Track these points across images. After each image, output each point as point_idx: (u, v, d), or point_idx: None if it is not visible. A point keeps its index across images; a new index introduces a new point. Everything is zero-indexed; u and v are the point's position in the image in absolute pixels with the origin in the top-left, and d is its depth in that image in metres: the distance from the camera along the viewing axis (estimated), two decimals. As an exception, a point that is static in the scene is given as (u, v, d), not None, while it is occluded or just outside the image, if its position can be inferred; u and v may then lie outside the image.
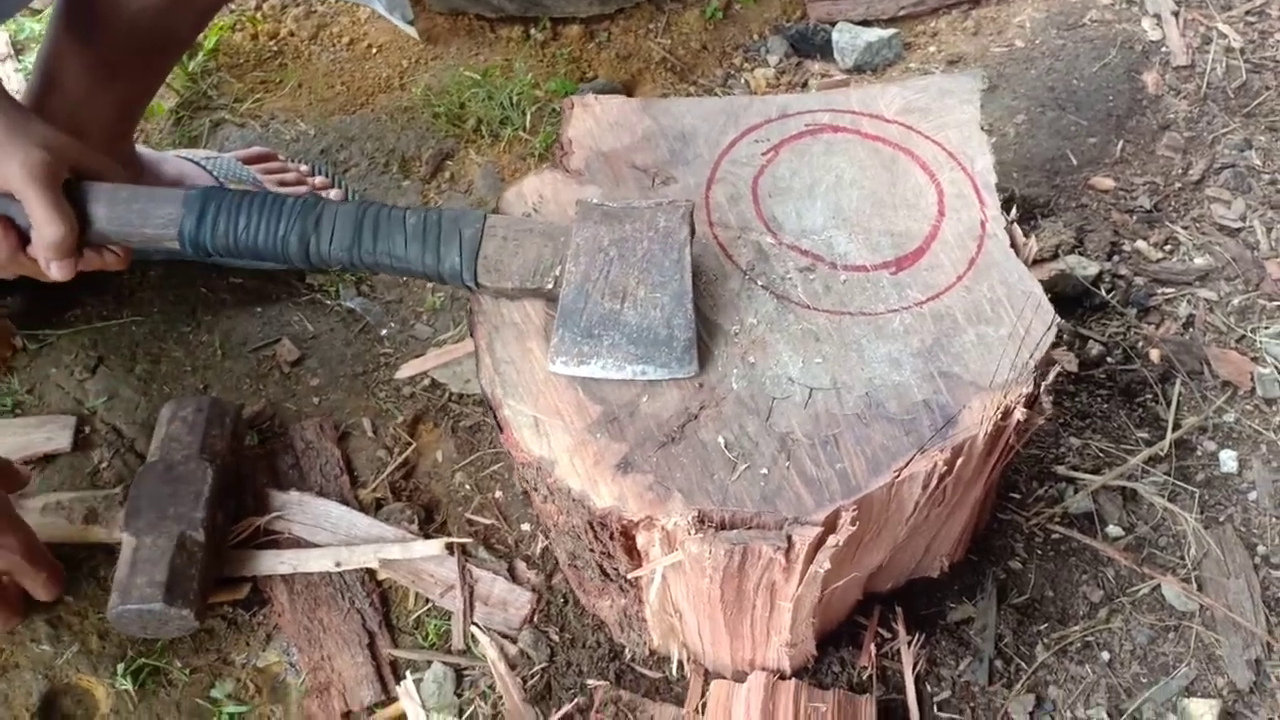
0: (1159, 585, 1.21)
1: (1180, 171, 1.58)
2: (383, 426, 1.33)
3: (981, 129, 1.10)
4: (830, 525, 0.87)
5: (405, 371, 1.37)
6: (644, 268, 0.90)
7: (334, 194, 1.50)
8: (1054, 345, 0.96)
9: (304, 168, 1.52)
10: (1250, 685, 1.14)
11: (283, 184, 1.45)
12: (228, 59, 1.71)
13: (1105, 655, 1.18)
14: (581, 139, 1.10)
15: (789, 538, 0.85)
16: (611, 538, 0.90)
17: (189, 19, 1.23)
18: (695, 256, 0.94)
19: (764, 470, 0.88)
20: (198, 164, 1.40)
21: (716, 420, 0.91)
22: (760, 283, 0.99)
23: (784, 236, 1.02)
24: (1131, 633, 1.19)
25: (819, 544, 0.87)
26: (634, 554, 0.93)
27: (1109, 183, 1.57)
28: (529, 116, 1.63)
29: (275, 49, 1.74)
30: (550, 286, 0.91)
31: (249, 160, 1.46)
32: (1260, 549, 1.24)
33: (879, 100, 1.13)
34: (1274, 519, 1.26)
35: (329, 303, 1.45)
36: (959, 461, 0.91)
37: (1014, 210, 1.05)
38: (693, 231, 0.92)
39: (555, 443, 0.89)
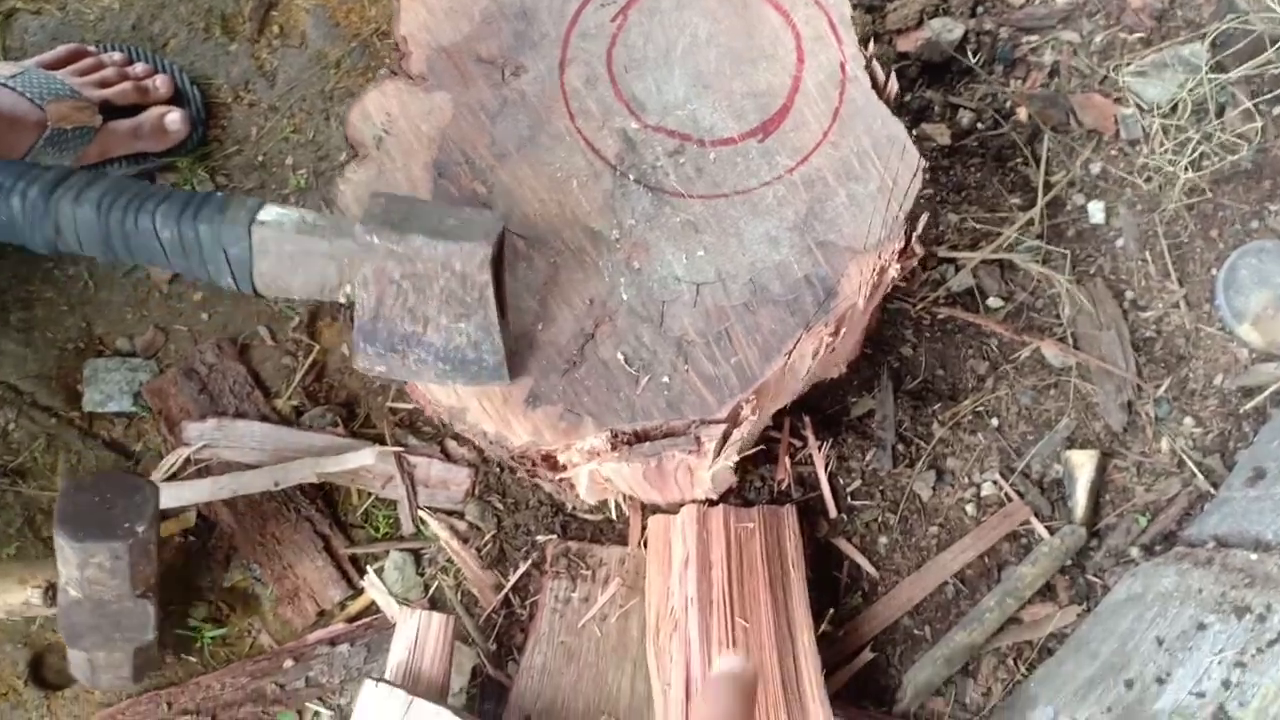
0: (1038, 348, 1.31)
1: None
2: (281, 331, 1.32)
3: (831, -51, 1.05)
4: (734, 417, 0.93)
5: (290, 267, 1.34)
6: (444, 300, 0.84)
7: (160, 80, 1.38)
8: (921, 191, 0.98)
9: (118, 56, 1.39)
10: (1124, 426, 1.28)
11: (103, 84, 1.34)
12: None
13: (994, 422, 1.29)
14: (417, 35, 1.02)
15: (697, 439, 0.91)
16: (533, 464, 0.95)
17: None
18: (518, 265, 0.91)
19: (665, 379, 0.92)
20: (9, 88, 1.27)
21: (613, 336, 0.93)
22: (632, 177, 0.97)
23: (648, 118, 0.99)
24: (1016, 396, 1.30)
25: (726, 437, 0.93)
26: (557, 465, 0.98)
27: (967, -76, 1.51)
28: (348, -58, 1.49)
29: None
30: (342, 301, 0.86)
31: (57, 64, 1.33)
32: (1129, 294, 1.33)
33: (721, -68, 1.06)
34: (1140, 262, 1.35)
35: (191, 203, 1.38)
36: (843, 330, 0.96)
37: (871, 45, 1.02)
38: (499, 264, 0.85)
39: (461, 388, 0.92)
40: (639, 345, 0.93)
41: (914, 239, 0.97)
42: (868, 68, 1.01)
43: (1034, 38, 1.45)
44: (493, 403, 0.92)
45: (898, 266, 0.96)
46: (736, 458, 1.00)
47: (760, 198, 0.97)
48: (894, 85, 1.01)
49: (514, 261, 0.94)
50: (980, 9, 1.46)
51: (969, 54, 1.42)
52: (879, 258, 0.95)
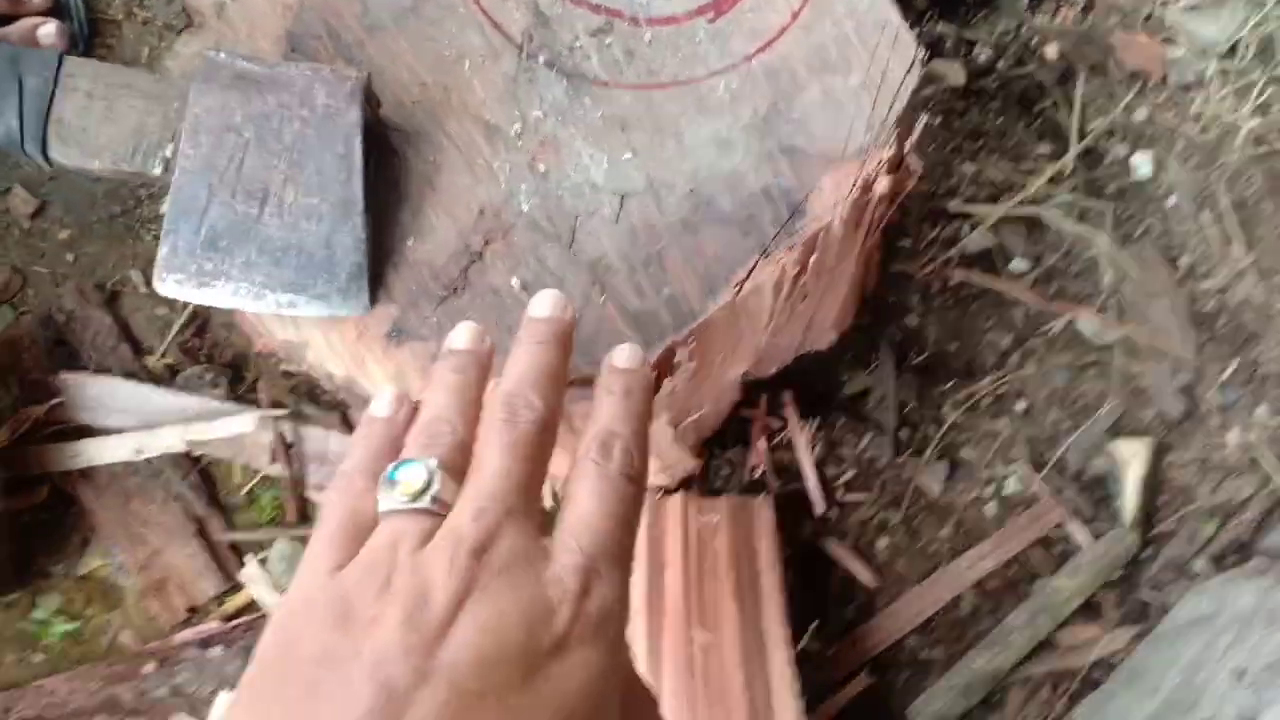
0: (1073, 320, 1.08)
1: None
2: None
3: None
4: (665, 366, 0.71)
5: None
6: (294, 160, 0.66)
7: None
8: (919, 87, 0.76)
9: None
10: (1182, 414, 1.04)
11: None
12: None
13: (1021, 405, 1.06)
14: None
15: (611, 394, 0.69)
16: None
17: None
18: (390, 139, 0.71)
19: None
20: None
21: (507, 257, 0.71)
22: (542, 59, 0.76)
23: (570, -12, 0.78)
24: (1047, 376, 1.07)
25: (655, 391, 0.71)
26: (437, 429, 0.76)
27: None
28: None
29: None
30: (158, 172, 0.68)
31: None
32: (1183, 260, 1.10)
33: None
34: (1196, 224, 1.11)
35: (75, 128, 1.18)
36: (813, 258, 0.73)
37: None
38: (372, 112, 0.69)
39: (301, 315, 0.70)
40: (541, 270, 0.71)
41: (908, 148, 0.75)
42: (855, -65, 0.79)
43: (1068, -34, 1.22)
44: (343, 336, 0.70)
45: (886, 180, 0.73)
46: (674, 428, 0.78)
47: (709, 90, 0.75)
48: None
49: (382, 159, 0.73)
50: (1007, -71, 1.24)
51: (992, -20, 1.20)
52: (862, 168, 0.73)
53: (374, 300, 0.69)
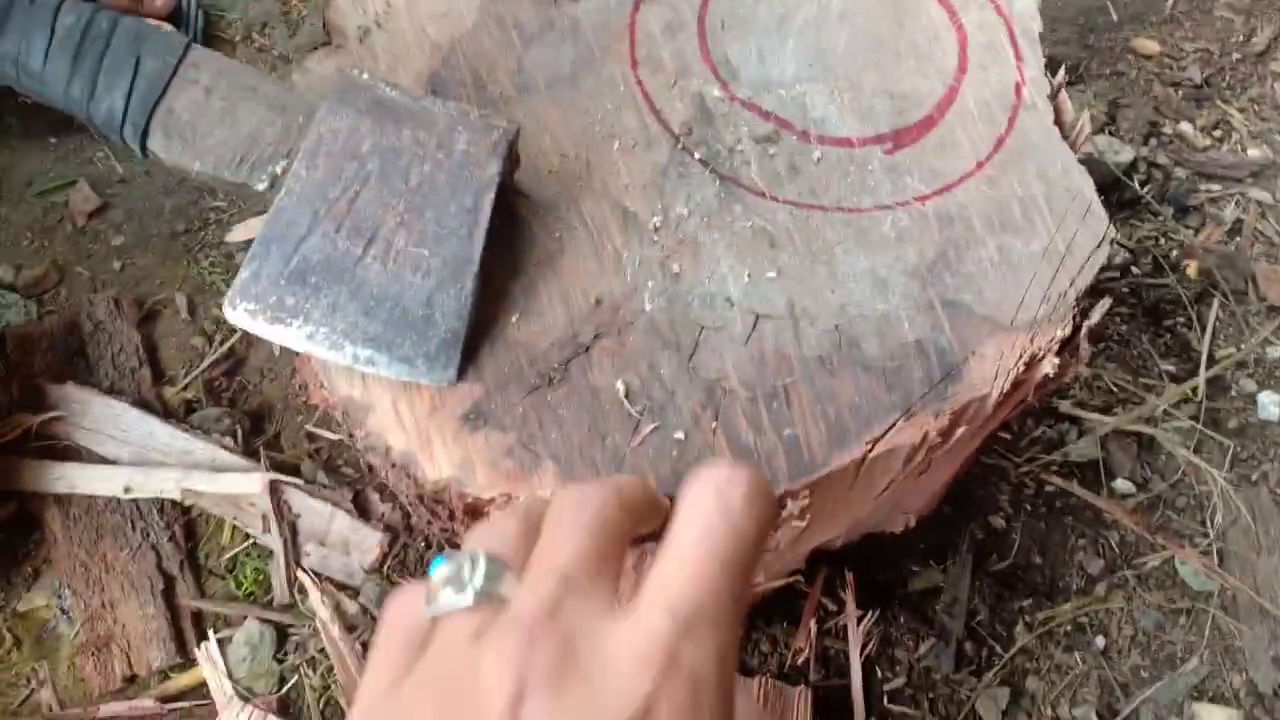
0: (1173, 558, 0.98)
1: (1241, 39, 1.28)
2: (203, 305, 1.02)
3: (1024, -49, 0.79)
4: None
5: (239, 234, 1.05)
6: (415, 205, 0.58)
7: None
8: (1104, 271, 0.68)
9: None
10: (1275, 687, 0.93)
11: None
12: None
13: (1100, 641, 0.95)
14: (459, -79, 0.76)
15: (707, 539, 0.58)
16: (452, 517, 0.62)
17: None
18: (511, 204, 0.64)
19: (680, 434, 0.60)
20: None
21: (617, 356, 0.62)
22: (699, 155, 0.68)
23: (738, 88, 0.71)
24: (1134, 615, 0.96)
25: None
26: (489, 536, 0.65)
27: (1154, 46, 1.26)
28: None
29: None
30: (262, 188, 0.60)
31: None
32: (1297, 519, 1.00)
33: (886, -102, 0.80)
34: (1316, 481, 1.02)
35: (150, 134, 1.12)
36: (960, 430, 0.64)
37: (1061, 72, 0.74)
38: (510, 168, 0.62)
39: (377, 374, 0.60)
40: (651, 378, 0.61)
41: (1084, 332, 0.66)
42: (1053, 98, 0.72)
43: (1216, 187, 1.17)
44: (413, 407, 0.60)
45: (1054, 363, 0.64)
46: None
47: (872, 223, 0.67)
48: (1087, 128, 0.72)
49: (506, 226, 0.64)
50: (1155, 140, 1.19)
51: (1137, 185, 1.14)
52: (1031, 342, 0.64)
53: (461, 374, 0.59)
